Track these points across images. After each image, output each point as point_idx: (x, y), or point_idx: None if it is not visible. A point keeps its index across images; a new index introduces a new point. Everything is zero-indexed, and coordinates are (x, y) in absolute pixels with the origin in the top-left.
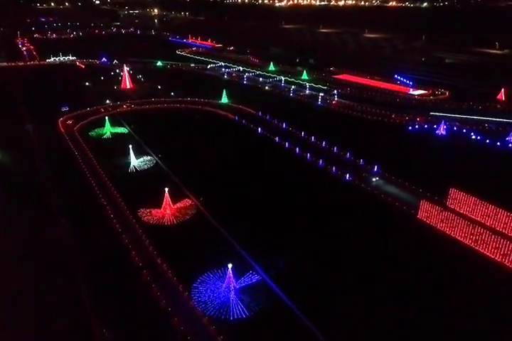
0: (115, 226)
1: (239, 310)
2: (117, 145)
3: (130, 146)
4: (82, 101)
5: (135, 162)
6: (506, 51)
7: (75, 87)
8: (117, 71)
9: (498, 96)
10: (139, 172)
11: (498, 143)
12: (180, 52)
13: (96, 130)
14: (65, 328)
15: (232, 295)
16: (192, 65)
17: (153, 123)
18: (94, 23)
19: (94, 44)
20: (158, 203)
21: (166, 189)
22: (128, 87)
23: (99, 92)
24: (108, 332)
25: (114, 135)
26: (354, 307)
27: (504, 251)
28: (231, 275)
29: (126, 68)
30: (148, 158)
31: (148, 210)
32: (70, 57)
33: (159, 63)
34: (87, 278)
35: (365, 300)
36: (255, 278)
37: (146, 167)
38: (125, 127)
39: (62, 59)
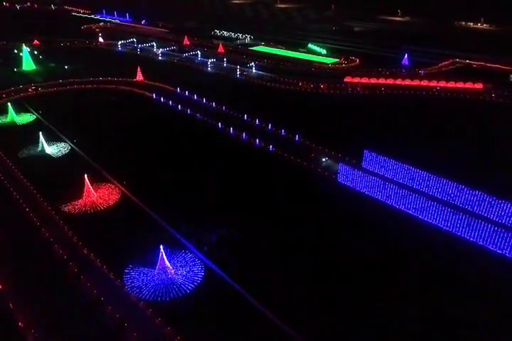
0: (33, 221)
1: (175, 289)
2: (25, 133)
3: (40, 133)
4: None
5: (48, 149)
6: (408, 18)
7: None
8: (16, 51)
9: (403, 62)
10: (53, 160)
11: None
12: (86, 28)
13: None
14: None
15: (166, 275)
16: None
17: (63, 106)
18: None
19: None
20: (78, 191)
21: (86, 175)
22: (31, 68)
23: None
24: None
25: (20, 122)
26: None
27: (416, 205)
28: (164, 256)
29: (26, 48)
30: (62, 144)
31: (68, 199)
32: None
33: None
34: (8, 277)
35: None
36: (188, 256)
37: (60, 154)
38: (32, 113)
39: None
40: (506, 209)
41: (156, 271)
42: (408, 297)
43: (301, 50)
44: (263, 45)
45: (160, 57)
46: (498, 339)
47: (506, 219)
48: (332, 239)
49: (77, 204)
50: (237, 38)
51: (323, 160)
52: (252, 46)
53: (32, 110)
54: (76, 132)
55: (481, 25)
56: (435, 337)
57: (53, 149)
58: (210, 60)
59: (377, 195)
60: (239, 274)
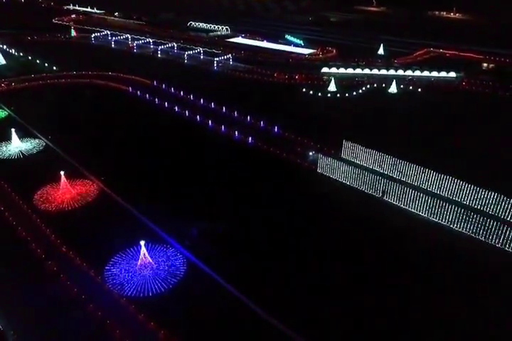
0: (8, 219)
1: (157, 285)
2: None
3: (13, 130)
4: None
5: (21, 147)
6: (383, 8)
7: None
8: None
9: (379, 51)
10: (27, 158)
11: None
12: (58, 21)
13: None
14: None
15: (147, 271)
16: None
17: (37, 101)
18: None
19: None
20: (54, 188)
21: (62, 172)
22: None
23: None
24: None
25: None
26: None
27: (399, 193)
28: (145, 252)
29: None
30: (36, 140)
31: (44, 197)
32: None
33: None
34: None
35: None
36: (170, 251)
37: (34, 151)
38: (3, 109)
39: None
40: (481, 195)
41: (137, 266)
42: (384, 281)
43: (278, 41)
44: (244, 37)
45: (135, 50)
46: None
47: (480, 203)
48: (314, 230)
49: (54, 202)
50: (213, 30)
51: (304, 151)
52: (229, 38)
53: (3, 106)
54: (50, 128)
55: (454, 14)
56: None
57: (27, 146)
58: (187, 53)
59: (357, 184)
60: (221, 266)
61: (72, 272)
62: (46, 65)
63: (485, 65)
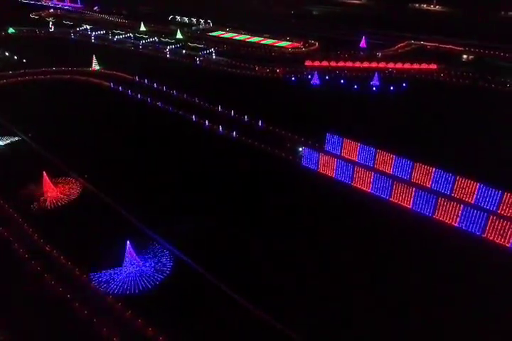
0: None
1: (143, 282)
2: None
3: None
4: None
5: (0, 145)
6: (364, 1)
7: None
8: None
9: (361, 44)
10: (7, 156)
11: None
12: (35, 15)
13: None
14: None
15: (134, 268)
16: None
17: (15, 98)
18: None
19: None
20: (37, 187)
21: (44, 171)
22: None
23: None
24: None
25: None
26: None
27: (379, 184)
28: (131, 249)
29: None
30: (16, 138)
31: (27, 196)
32: None
33: (11, 29)
34: None
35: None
36: (156, 247)
37: (15, 149)
38: None
39: None
40: (461, 184)
41: (123, 264)
42: (368, 273)
43: (259, 34)
44: (228, 31)
45: (116, 45)
46: None
47: (461, 193)
48: (300, 223)
49: (36, 201)
50: (194, 24)
51: (288, 145)
52: (212, 32)
53: None
54: (31, 125)
55: (434, 7)
56: None
57: (5, 144)
58: (168, 47)
59: (341, 177)
60: (208, 262)
61: (56, 271)
62: (24, 60)
63: (465, 56)
